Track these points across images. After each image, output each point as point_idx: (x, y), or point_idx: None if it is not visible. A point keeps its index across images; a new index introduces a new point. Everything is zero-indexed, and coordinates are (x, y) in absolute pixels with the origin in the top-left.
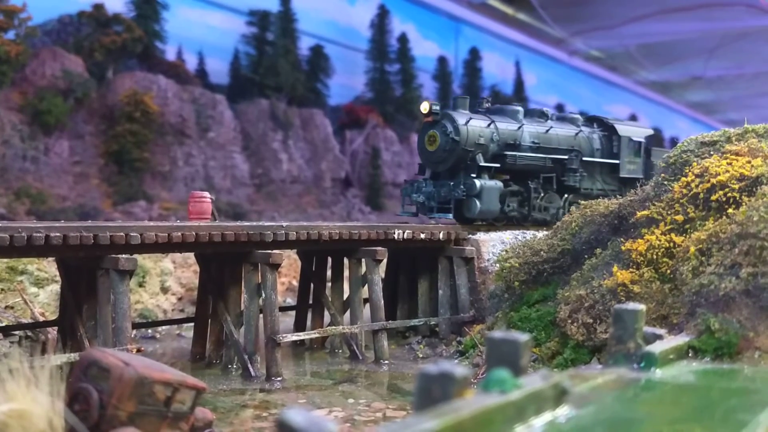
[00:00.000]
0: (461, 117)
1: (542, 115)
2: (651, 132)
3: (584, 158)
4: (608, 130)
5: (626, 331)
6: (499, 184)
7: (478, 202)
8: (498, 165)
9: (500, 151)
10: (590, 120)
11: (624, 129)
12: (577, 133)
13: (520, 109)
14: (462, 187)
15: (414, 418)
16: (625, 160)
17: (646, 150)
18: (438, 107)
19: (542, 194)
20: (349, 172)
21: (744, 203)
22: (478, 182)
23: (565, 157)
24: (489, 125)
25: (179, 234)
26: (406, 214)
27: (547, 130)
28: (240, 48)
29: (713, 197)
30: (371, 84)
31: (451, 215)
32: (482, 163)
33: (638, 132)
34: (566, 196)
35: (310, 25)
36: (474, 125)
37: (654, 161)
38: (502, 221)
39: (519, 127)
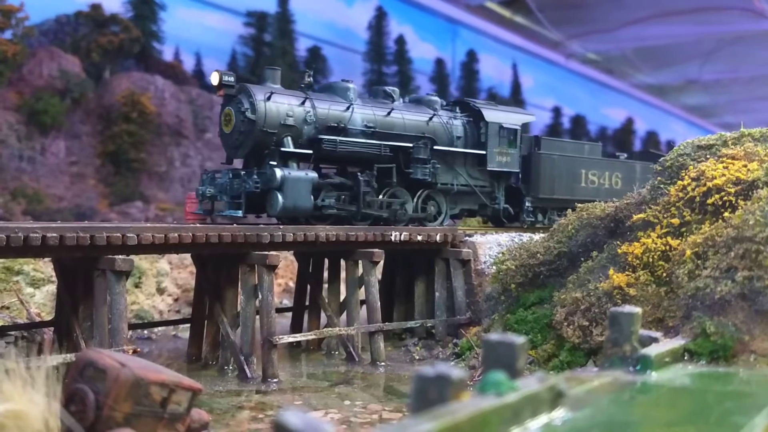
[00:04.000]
0: (260, 92)
1: (387, 96)
2: (530, 118)
3: (437, 147)
4: (475, 115)
5: (622, 334)
6: (312, 174)
7: (280, 197)
8: (310, 152)
9: (319, 135)
10: (455, 104)
11: (493, 114)
12: (430, 118)
13: (351, 86)
14: (255, 177)
15: (410, 420)
16: (494, 150)
17: (536, 140)
18: (232, 78)
19: (385, 189)
20: None
21: (740, 207)
22: (279, 172)
23: (409, 145)
24: (302, 103)
25: (176, 235)
26: (201, 213)
27: (388, 113)
28: (237, 49)
29: (709, 201)
30: (369, 85)
31: (240, 212)
32: (289, 149)
33: (511, 118)
34: (421, 191)
35: (308, 27)
36: (278, 102)
37: (550, 153)
38: (327, 220)
39: (347, 108)
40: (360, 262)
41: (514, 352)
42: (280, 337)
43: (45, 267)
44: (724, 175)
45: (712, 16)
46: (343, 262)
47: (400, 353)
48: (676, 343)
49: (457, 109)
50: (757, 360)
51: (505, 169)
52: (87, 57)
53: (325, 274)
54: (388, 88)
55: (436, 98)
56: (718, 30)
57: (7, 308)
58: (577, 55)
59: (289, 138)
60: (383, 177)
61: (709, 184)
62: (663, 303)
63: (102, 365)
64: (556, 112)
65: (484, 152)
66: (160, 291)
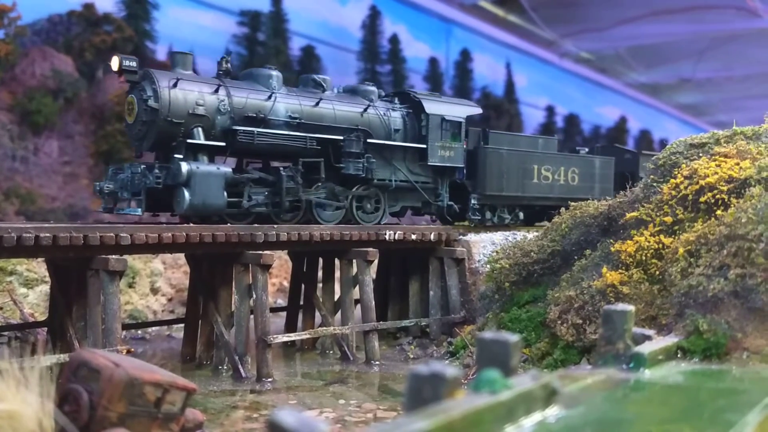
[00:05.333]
0: (165, 78)
1: (317, 86)
2: (476, 110)
3: (372, 141)
4: (415, 107)
5: (615, 332)
6: (224, 169)
7: (186, 194)
8: (223, 144)
9: (235, 126)
10: (396, 95)
11: (434, 106)
12: (365, 109)
13: (274, 74)
14: (157, 172)
15: (405, 418)
16: (436, 144)
17: (484, 134)
18: (134, 63)
19: (315, 185)
20: None
21: (732, 205)
22: (185, 166)
23: (340, 138)
24: (215, 91)
25: (169, 235)
26: (102, 211)
27: (317, 103)
28: (231, 48)
29: (702, 199)
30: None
31: (140, 210)
32: (198, 141)
33: (455, 110)
34: (356, 188)
35: (302, 26)
36: (186, 89)
37: (498, 148)
38: (245, 219)
39: (269, 97)
40: (354, 261)
41: (508, 351)
42: (275, 336)
43: (38, 267)
44: (716, 173)
45: (706, 15)
46: (337, 262)
47: (395, 352)
48: (670, 340)
49: (396, 100)
50: (749, 357)
51: (448, 164)
52: (80, 56)
53: (320, 274)
54: (319, 77)
55: (373, 88)
56: (712, 29)
57: (1, 308)
58: (570, 54)
59: (200, 129)
60: (312, 172)
61: (702, 182)
62: (656, 301)
63: (96, 365)
64: (550, 111)
65: (424, 146)
66: (154, 291)
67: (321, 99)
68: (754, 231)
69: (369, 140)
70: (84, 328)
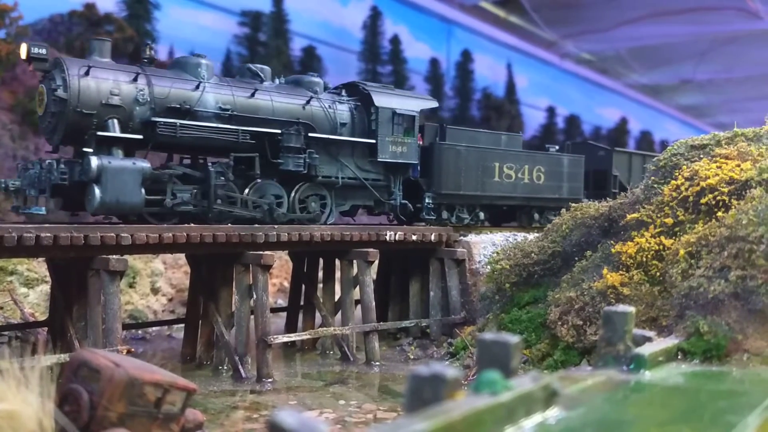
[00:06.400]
0: (76, 66)
1: (255, 76)
2: (431, 104)
3: (315, 135)
4: (364, 100)
5: (616, 333)
6: (141, 164)
7: (97, 191)
8: (140, 137)
9: (155, 117)
10: (344, 87)
11: (384, 99)
12: (308, 102)
13: (204, 62)
14: (63, 167)
15: (405, 419)
16: (387, 139)
17: (441, 130)
18: (44, 51)
19: (252, 183)
20: None
21: (733, 206)
22: (94, 160)
23: (277, 131)
24: (134, 80)
25: (170, 235)
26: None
27: (252, 94)
28: (232, 48)
29: (703, 200)
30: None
31: (44, 210)
32: (113, 133)
33: (407, 104)
34: (299, 186)
35: (303, 26)
36: (100, 77)
37: (455, 144)
38: (170, 219)
39: (197, 87)
40: (355, 261)
41: (508, 352)
42: (275, 337)
43: (39, 267)
44: (717, 174)
45: (707, 16)
46: (338, 262)
47: (395, 353)
48: (670, 342)
49: (344, 93)
50: (750, 359)
51: (400, 161)
52: (81, 56)
53: (320, 274)
54: (257, 66)
55: (318, 80)
56: (713, 30)
57: (1, 308)
58: (571, 55)
59: (115, 121)
60: (243, 168)
61: (703, 183)
62: (656, 302)
63: (96, 365)
64: (551, 112)
65: (374, 141)
66: (155, 291)
67: (257, 90)
68: (754, 233)
69: (311, 134)
70: (84, 328)
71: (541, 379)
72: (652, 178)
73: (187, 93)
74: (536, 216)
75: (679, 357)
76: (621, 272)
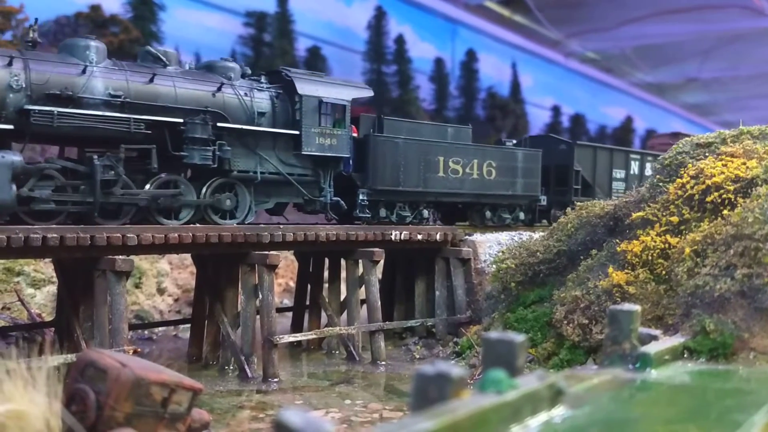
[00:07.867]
0: None
1: (156, 60)
2: (364, 93)
3: (225, 125)
4: (288, 87)
5: (622, 332)
6: (12, 157)
7: None
8: (11, 127)
9: (30, 105)
10: (267, 74)
11: (309, 87)
12: (219, 88)
13: (93, 44)
14: None
15: (411, 418)
16: (313, 131)
17: (378, 121)
18: None
19: (154, 178)
20: None
21: (739, 205)
22: None
23: (179, 120)
24: (8, 64)
25: (176, 235)
26: None
27: (150, 80)
28: (237, 49)
29: (708, 198)
30: (368, 85)
31: None
32: None
33: (336, 92)
34: (211, 181)
35: (307, 27)
36: None
37: (393, 137)
38: (49, 218)
39: (83, 71)
40: (360, 261)
41: (514, 351)
42: (281, 336)
43: (46, 268)
44: (723, 172)
45: (712, 14)
46: (343, 262)
47: (401, 352)
48: (676, 340)
49: (263, 79)
50: (756, 357)
51: (329, 154)
52: None
53: (326, 274)
54: (160, 49)
55: (234, 65)
56: (718, 28)
57: (8, 309)
58: (576, 54)
59: None
60: (136, 161)
61: (708, 182)
62: (662, 301)
63: (103, 365)
64: (556, 110)
65: (297, 132)
66: (161, 291)
67: (156, 75)
68: (760, 231)
69: (221, 124)
70: (91, 328)
71: (547, 377)
72: (658, 176)
73: (70, 78)
74: (488, 214)
75: (685, 355)
76: (627, 271)
